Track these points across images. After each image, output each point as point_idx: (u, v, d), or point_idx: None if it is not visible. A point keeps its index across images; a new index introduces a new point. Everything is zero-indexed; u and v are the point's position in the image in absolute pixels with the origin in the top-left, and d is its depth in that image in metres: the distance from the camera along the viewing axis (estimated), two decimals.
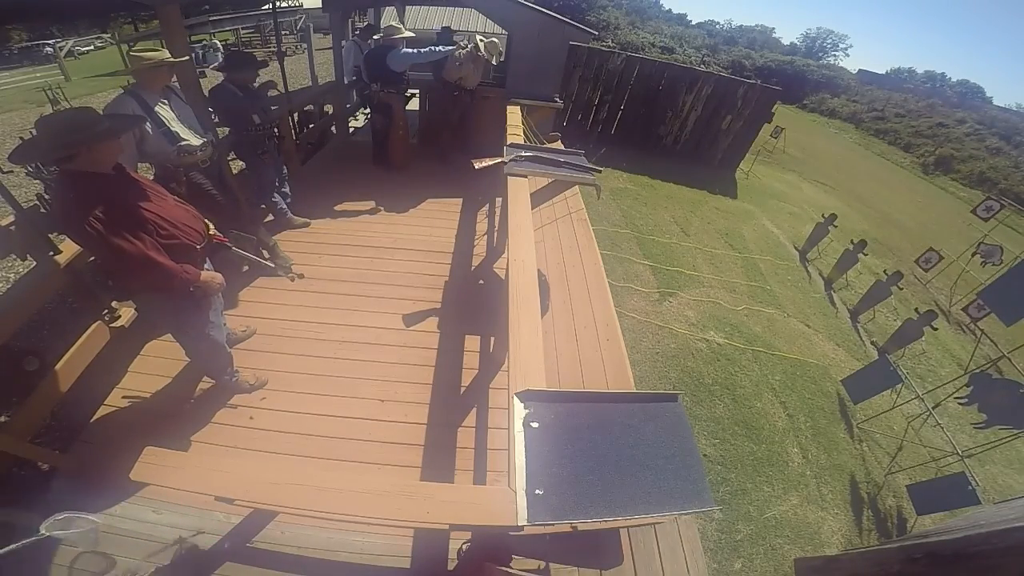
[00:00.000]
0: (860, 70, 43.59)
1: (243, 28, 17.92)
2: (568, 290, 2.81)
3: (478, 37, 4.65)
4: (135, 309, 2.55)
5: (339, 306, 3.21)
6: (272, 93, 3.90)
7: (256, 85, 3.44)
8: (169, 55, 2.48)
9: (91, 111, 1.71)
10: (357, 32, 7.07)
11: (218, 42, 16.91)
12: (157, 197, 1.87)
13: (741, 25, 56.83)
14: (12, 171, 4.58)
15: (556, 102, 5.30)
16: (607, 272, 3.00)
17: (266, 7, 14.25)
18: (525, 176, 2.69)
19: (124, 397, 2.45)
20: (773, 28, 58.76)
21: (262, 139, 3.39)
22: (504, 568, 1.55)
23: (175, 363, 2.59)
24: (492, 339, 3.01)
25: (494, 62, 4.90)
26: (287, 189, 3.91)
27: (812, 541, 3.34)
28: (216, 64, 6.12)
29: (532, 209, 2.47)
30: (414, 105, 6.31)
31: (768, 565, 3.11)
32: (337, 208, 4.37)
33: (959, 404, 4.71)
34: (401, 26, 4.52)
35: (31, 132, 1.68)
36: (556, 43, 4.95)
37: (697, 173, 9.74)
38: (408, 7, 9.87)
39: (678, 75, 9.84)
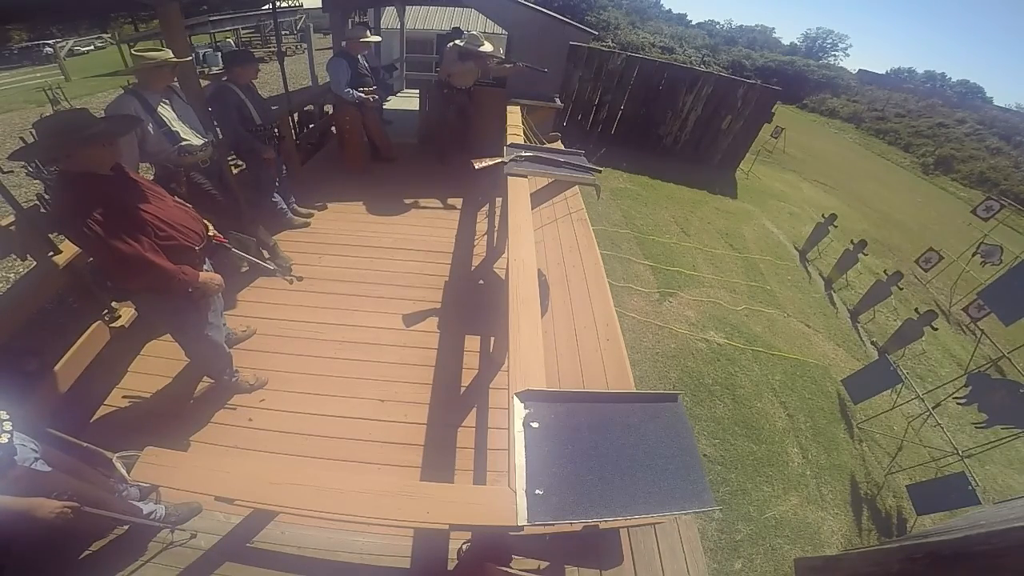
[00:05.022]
0: (860, 70, 43.66)
1: (243, 28, 17.91)
2: (568, 290, 2.80)
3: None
4: (135, 309, 2.55)
5: (339, 306, 3.21)
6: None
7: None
8: (172, 55, 2.48)
9: (85, 113, 1.71)
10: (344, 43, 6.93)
11: (230, 42, 16.90)
12: (156, 198, 1.87)
13: (741, 25, 56.96)
14: (12, 171, 4.59)
15: (556, 102, 5.30)
16: (607, 272, 3.00)
17: (266, 7, 14.25)
18: (525, 176, 2.68)
19: (124, 397, 2.45)
20: (773, 28, 58.94)
21: (264, 140, 3.38)
22: (504, 568, 1.55)
23: (175, 363, 2.58)
24: (492, 339, 3.01)
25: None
26: (287, 189, 3.91)
27: (812, 541, 3.34)
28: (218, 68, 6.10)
29: (532, 209, 2.46)
30: (414, 105, 6.32)
31: (768, 565, 3.11)
32: (337, 208, 4.36)
33: (958, 404, 4.71)
34: (368, 32, 4.46)
35: (31, 132, 1.68)
36: (556, 43, 4.95)
37: (697, 173, 9.74)
38: (408, 7, 9.84)
39: (678, 75, 9.83)
